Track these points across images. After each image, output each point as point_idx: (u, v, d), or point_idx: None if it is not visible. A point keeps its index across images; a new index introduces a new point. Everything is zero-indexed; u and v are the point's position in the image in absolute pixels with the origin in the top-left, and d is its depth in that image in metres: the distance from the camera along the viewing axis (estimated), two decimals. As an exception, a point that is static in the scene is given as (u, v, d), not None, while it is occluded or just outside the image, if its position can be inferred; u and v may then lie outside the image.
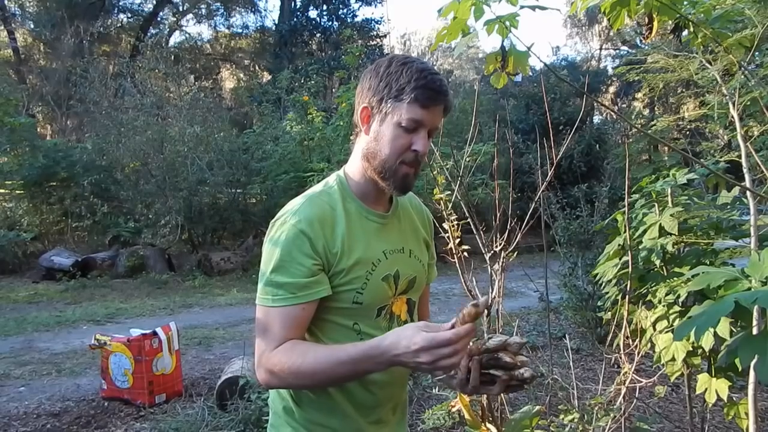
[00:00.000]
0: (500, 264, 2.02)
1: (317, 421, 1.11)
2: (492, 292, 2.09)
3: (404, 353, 0.90)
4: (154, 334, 3.71)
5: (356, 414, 1.12)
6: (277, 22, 19.52)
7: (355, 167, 1.13)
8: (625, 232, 2.09)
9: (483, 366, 0.95)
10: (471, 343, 0.95)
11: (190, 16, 21.38)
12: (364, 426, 1.13)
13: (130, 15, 19.94)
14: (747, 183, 1.73)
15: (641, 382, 1.86)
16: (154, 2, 19.58)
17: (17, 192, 10.85)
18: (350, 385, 1.10)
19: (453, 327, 0.89)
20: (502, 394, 1.96)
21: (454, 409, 1.36)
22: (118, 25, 19.88)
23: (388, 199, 1.17)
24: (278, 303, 1.01)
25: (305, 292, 1.01)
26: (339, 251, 1.05)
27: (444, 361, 0.88)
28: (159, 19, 20.39)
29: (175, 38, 21.16)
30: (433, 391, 3.37)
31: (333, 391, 1.10)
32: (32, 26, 17.70)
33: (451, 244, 2.05)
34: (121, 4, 19.40)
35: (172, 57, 12.21)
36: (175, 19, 20.91)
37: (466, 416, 1.29)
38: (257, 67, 21.55)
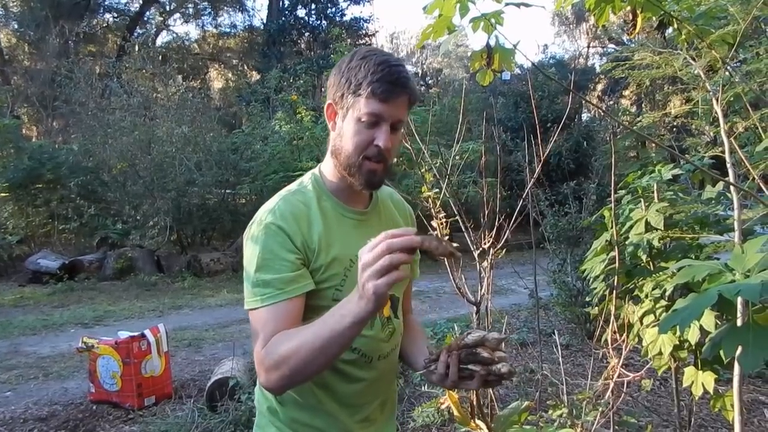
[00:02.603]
0: (489, 261, 2.03)
1: (301, 420, 1.10)
2: (481, 289, 2.09)
3: (361, 267, 0.84)
4: (143, 336, 3.68)
5: (342, 413, 1.10)
6: (265, 21, 19.44)
7: (328, 165, 1.12)
8: (612, 227, 2.11)
9: (461, 361, 0.95)
10: (450, 339, 0.97)
11: (177, 15, 21.16)
12: (351, 425, 1.12)
13: (116, 15, 19.72)
14: (731, 178, 1.75)
15: (629, 376, 1.88)
16: (141, 2, 19.38)
17: (2, 194, 10.68)
18: (335, 383, 1.09)
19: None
20: (491, 390, 1.97)
21: (443, 406, 1.36)
22: (104, 25, 19.65)
23: (367, 195, 1.16)
24: (268, 301, 0.99)
25: (293, 286, 1.00)
26: (317, 248, 1.04)
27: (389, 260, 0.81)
28: (145, 18, 20.20)
29: (162, 38, 21.03)
30: (423, 388, 3.38)
31: (317, 390, 1.09)
32: (16, 26, 17.45)
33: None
34: (106, 3, 19.19)
35: (160, 57, 12.10)
36: (161, 18, 20.71)
37: (456, 413, 1.29)
38: (246, 67, 21.41)
